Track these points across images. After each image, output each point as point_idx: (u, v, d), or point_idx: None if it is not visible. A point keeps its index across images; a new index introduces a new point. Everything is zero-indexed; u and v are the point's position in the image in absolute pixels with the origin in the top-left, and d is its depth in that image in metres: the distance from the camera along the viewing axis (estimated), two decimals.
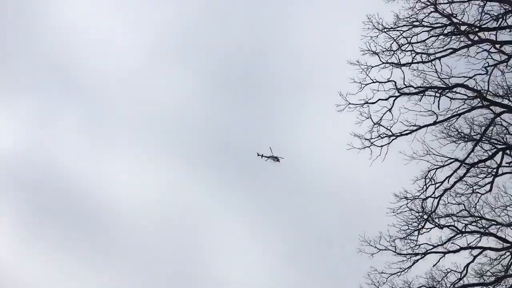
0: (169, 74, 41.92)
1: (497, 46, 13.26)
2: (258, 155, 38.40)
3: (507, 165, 15.07)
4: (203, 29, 42.81)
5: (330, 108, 15.70)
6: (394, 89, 14.68)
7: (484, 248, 16.50)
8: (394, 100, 14.78)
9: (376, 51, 14.46)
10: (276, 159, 38.34)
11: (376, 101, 14.83)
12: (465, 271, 16.66)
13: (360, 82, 14.82)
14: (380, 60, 14.44)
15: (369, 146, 15.43)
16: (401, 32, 14.53)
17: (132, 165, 40.95)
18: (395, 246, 16.96)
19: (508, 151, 14.95)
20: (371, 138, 15.34)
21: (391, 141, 15.35)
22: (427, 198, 15.62)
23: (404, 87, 14.66)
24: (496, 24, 13.20)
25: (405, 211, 15.91)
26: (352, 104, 14.98)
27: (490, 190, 15.37)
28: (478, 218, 16.63)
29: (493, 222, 16.38)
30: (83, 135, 41.77)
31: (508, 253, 16.30)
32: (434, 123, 14.93)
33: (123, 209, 38.51)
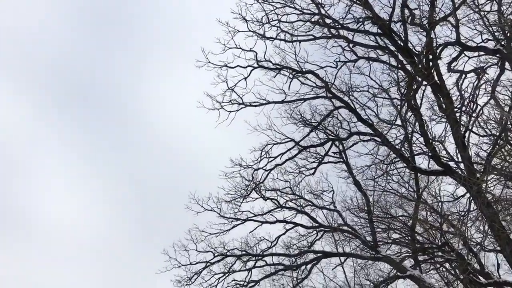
0: None
1: (351, 45, 14.38)
2: None
3: (333, 154, 16.69)
4: None
5: (192, 63, 15.70)
6: (254, 60, 15.16)
7: (297, 224, 18.14)
8: (251, 70, 15.25)
9: (247, 19, 14.76)
10: None
11: (235, 67, 15.16)
12: (275, 241, 18.16)
13: (224, 44, 15.02)
14: (248, 28, 14.77)
15: (218, 109, 15.76)
16: (275, 8, 15.00)
17: None
18: (220, 209, 17.80)
19: (336, 143, 16.54)
20: (222, 102, 15.70)
21: (240, 109, 15.86)
22: (258, 169, 16.58)
23: (263, 61, 15.21)
24: (356, 26, 14.28)
25: (237, 177, 16.76)
26: (212, 63, 15.15)
27: (313, 173, 16.91)
28: (298, 197, 18.21)
29: (309, 203, 18.08)
30: None
31: (314, 232, 18.17)
32: (282, 102, 15.77)
33: None
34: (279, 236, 18.12)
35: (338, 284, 20.13)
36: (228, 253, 17.94)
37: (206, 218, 19.50)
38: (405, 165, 15.01)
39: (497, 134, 12.29)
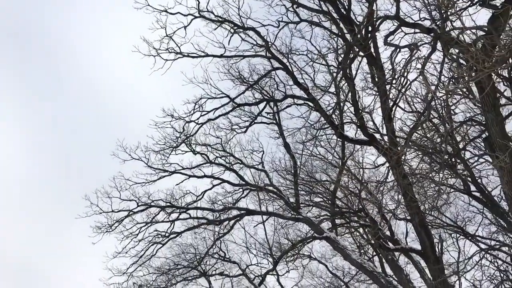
0: None
1: (295, 7, 14.28)
2: None
3: (266, 115, 16.84)
4: None
5: (130, 3, 14.93)
6: (196, 9, 14.70)
7: (224, 181, 18.33)
8: (192, 20, 14.77)
9: None
10: None
11: (175, 14, 14.61)
12: (201, 196, 18.28)
13: None
14: None
15: (154, 56, 15.24)
16: None
17: None
18: (148, 159, 17.53)
19: (271, 103, 16.66)
20: (158, 49, 15.17)
21: (176, 58, 15.41)
22: (190, 122, 16.37)
23: (206, 11, 14.78)
24: None
25: (167, 128, 16.49)
26: (151, 6, 14.50)
27: (245, 132, 17.01)
28: (228, 154, 18.33)
29: (238, 161, 18.27)
30: None
31: (241, 190, 18.47)
32: (221, 56, 15.50)
33: None
34: (205, 191, 18.26)
35: (258, 241, 20.79)
36: (152, 204, 17.86)
37: (133, 167, 19.16)
38: (333, 132, 15.46)
39: (421, 110, 12.92)
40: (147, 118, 17.14)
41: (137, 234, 17.54)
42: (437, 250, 15.53)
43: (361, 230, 18.76)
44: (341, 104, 14.78)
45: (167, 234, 17.93)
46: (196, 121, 16.42)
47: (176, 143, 16.77)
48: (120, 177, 17.68)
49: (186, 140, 16.80)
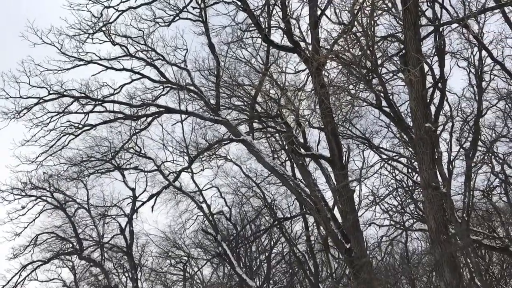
0: None
1: None
2: None
3: (192, 10, 16.14)
4: None
5: None
6: None
7: (144, 76, 17.77)
8: None
9: None
10: None
11: None
12: (119, 90, 17.69)
13: None
14: None
15: None
16: None
17: None
18: (62, 45, 16.39)
19: None
20: None
21: None
22: (109, 7, 15.29)
23: None
24: None
25: (83, 11, 15.32)
26: None
27: (169, 25, 16.28)
28: (150, 49, 17.61)
29: (160, 57, 17.66)
30: None
31: (161, 87, 18.08)
32: None
33: None
34: (123, 85, 17.65)
35: (175, 139, 20.85)
36: (65, 93, 17.01)
37: (45, 53, 17.91)
38: (259, 35, 15.24)
39: (347, 23, 13.00)
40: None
41: (48, 123, 16.83)
42: (344, 158, 16.57)
43: (276, 136, 19.41)
44: (270, 6, 14.46)
45: (80, 126, 17.38)
46: (116, 8, 15.37)
47: (93, 29, 15.72)
48: (29, 61, 16.47)
49: (104, 28, 15.79)
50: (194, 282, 28.24)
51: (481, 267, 19.58)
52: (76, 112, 17.30)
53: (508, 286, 22.30)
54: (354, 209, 15.31)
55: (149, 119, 18.20)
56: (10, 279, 21.61)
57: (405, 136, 14.92)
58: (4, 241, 24.31)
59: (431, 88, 13.42)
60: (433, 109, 13.51)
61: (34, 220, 21.69)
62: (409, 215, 18.40)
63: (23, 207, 20.97)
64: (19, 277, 21.82)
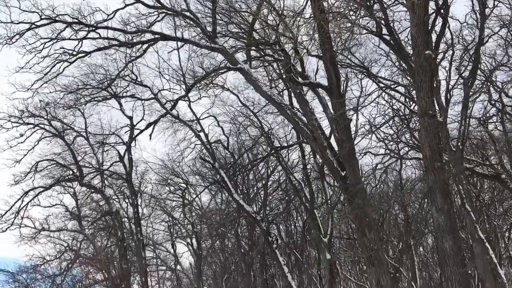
0: None
1: None
2: None
3: None
4: None
5: None
6: None
7: (138, 1, 17.17)
8: None
9: None
10: None
11: None
12: (112, 15, 17.17)
13: None
14: None
15: None
16: None
17: None
18: None
19: None
20: None
21: None
22: None
23: None
24: None
25: None
26: None
27: None
28: None
29: None
30: None
31: (156, 12, 17.55)
32: None
33: None
34: (117, 10, 17.09)
35: (172, 67, 20.58)
36: (57, 18, 16.52)
37: None
38: None
39: None
40: None
41: (41, 50, 16.48)
42: (342, 87, 16.48)
43: (274, 64, 19.16)
44: None
45: (74, 53, 17.06)
46: None
47: None
48: None
49: None
50: (193, 208, 29.11)
51: (472, 194, 20.18)
52: (69, 39, 16.92)
53: (497, 211, 23.12)
54: (351, 138, 15.47)
55: (145, 46, 17.86)
56: (13, 204, 22.15)
57: (404, 65, 14.77)
58: (4, 168, 24.80)
59: (433, 14, 13.08)
60: (434, 36, 13.26)
61: (33, 147, 21.89)
62: (404, 143, 18.64)
63: (21, 135, 21.08)
64: (22, 203, 22.37)
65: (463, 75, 15.86)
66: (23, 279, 16.02)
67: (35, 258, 21.24)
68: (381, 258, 14.36)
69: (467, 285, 9.51)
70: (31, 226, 23.82)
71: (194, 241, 28.03)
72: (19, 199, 22.26)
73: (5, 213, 21.97)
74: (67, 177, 23.80)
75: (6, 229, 22.00)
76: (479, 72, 15.92)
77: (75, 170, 23.39)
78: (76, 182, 24.05)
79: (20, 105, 21.29)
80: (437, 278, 28.46)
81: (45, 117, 21.82)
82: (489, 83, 16.33)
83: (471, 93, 15.51)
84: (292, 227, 30.17)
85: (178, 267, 30.28)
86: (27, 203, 22.62)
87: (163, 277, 29.38)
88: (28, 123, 21.46)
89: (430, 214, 20.85)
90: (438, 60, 14.70)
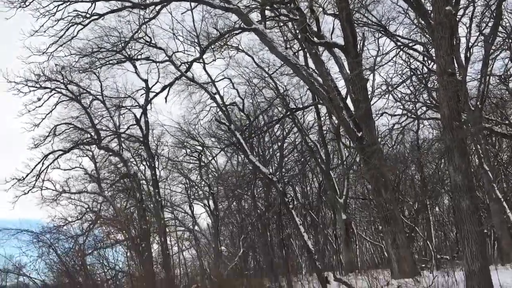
0: None
1: None
2: None
3: None
4: None
5: None
6: None
7: None
8: None
9: None
10: None
11: None
12: None
13: None
14: None
15: None
16: None
17: None
18: None
19: None
20: None
21: None
22: None
23: None
24: None
25: None
26: None
27: None
28: None
29: None
30: None
31: None
32: None
33: None
34: None
35: (186, 28, 20.30)
36: None
37: None
38: None
39: None
40: None
41: (55, 13, 16.38)
42: (358, 47, 16.18)
43: (289, 24, 18.81)
44: None
45: (88, 15, 16.93)
46: None
47: None
48: None
49: None
50: (209, 170, 29.39)
51: (490, 153, 19.98)
52: (82, 1, 16.77)
53: None
54: (367, 98, 15.30)
55: (158, 7, 17.63)
56: (34, 168, 22.58)
57: (423, 22, 14.39)
58: (24, 132, 25.14)
59: None
60: None
61: (51, 111, 22.07)
62: (421, 103, 18.37)
63: (39, 99, 21.23)
64: (42, 166, 22.78)
65: (484, 32, 15.41)
66: (47, 239, 16.61)
67: (57, 219, 21.78)
68: (396, 217, 14.44)
69: (483, 243, 9.54)
70: (52, 188, 24.35)
71: (211, 202, 28.44)
72: (39, 162, 22.68)
73: (27, 175, 22.43)
74: (85, 140, 24.09)
75: (28, 191, 22.53)
76: (500, 28, 15.45)
77: (92, 134, 23.63)
78: (94, 145, 24.35)
79: (36, 69, 21.40)
80: (452, 237, 28.62)
81: (61, 81, 21.90)
82: (510, 40, 15.86)
83: (491, 50, 15.11)
84: (308, 188, 30.37)
85: (196, 227, 30.88)
86: (47, 166, 23.04)
87: (181, 237, 30.06)
88: (45, 87, 21.58)
89: (446, 174, 20.75)
90: (458, 16, 14.28)
